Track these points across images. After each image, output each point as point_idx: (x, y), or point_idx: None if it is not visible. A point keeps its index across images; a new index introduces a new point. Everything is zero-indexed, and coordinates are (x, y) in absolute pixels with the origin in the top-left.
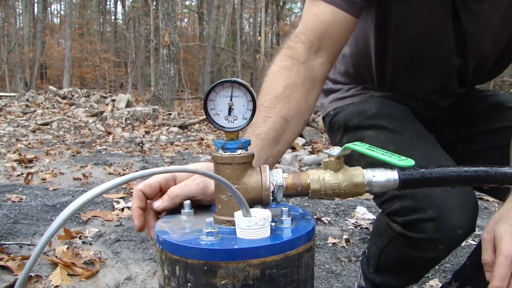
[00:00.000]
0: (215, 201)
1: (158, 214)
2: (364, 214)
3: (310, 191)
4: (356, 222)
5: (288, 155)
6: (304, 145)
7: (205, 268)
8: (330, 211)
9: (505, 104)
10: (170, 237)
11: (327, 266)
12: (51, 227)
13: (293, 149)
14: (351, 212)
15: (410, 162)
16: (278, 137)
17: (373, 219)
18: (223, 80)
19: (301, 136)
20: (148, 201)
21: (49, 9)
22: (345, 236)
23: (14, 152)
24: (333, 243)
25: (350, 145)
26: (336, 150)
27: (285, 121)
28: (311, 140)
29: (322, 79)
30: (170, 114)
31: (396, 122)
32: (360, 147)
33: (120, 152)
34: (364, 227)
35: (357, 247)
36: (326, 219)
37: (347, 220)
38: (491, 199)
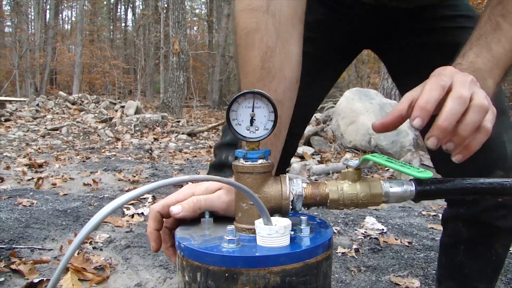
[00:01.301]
0: (235, 209)
1: (172, 232)
2: (374, 224)
3: (328, 201)
4: (365, 232)
5: (296, 165)
6: (312, 154)
7: (227, 274)
8: (339, 221)
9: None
10: (192, 244)
11: (336, 275)
12: (91, 222)
13: (302, 158)
14: (360, 222)
15: (428, 174)
16: (276, 130)
17: (382, 229)
18: (245, 91)
19: (310, 145)
20: (164, 219)
21: (60, 15)
22: (354, 246)
23: (25, 157)
24: (342, 253)
25: (369, 156)
26: (355, 161)
27: (277, 104)
28: (319, 149)
29: (297, 15)
30: (179, 122)
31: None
32: (379, 158)
33: (129, 158)
34: (373, 237)
35: (366, 257)
36: (336, 229)
37: (356, 230)
38: None
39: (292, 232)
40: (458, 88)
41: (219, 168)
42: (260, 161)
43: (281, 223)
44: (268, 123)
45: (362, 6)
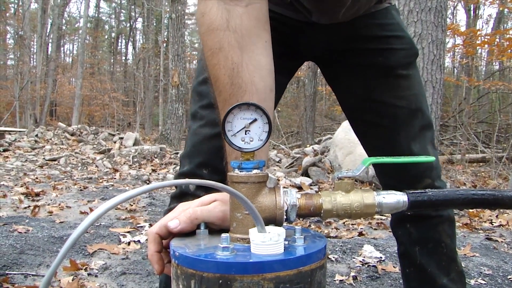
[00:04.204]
0: (230, 219)
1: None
2: (372, 252)
3: (322, 211)
4: (363, 260)
5: None
6: (310, 185)
7: (220, 281)
8: (337, 249)
9: (395, 70)
10: (186, 252)
11: None
12: (81, 226)
13: (300, 189)
14: (358, 250)
15: (432, 158)
16: None
17: (380, 257)
18: (240, 102)
19: (308, 176)
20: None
21: (62, 48)
22: (352, 274)
23: (22, 186)
24: (340, 280)
25: (373, 159)
26: (349, 172)
27: None
28: (317, 180)
29: (260, 24)
30: (177, 153)
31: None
32: (383, 158)
33: (127, 188)
34: (371, 265)
35: (364, 285)
36: (333, 257)
37: (354, 258)
38: (500, 239)
39: (286, 242)
40: None
41: (180, 197)
42: (254, 171)
43: (275, 231)
44: (263, 134)
45: (291, 21)
